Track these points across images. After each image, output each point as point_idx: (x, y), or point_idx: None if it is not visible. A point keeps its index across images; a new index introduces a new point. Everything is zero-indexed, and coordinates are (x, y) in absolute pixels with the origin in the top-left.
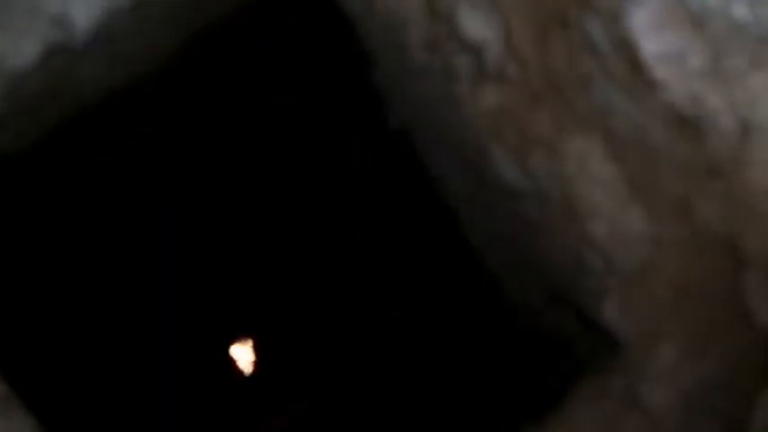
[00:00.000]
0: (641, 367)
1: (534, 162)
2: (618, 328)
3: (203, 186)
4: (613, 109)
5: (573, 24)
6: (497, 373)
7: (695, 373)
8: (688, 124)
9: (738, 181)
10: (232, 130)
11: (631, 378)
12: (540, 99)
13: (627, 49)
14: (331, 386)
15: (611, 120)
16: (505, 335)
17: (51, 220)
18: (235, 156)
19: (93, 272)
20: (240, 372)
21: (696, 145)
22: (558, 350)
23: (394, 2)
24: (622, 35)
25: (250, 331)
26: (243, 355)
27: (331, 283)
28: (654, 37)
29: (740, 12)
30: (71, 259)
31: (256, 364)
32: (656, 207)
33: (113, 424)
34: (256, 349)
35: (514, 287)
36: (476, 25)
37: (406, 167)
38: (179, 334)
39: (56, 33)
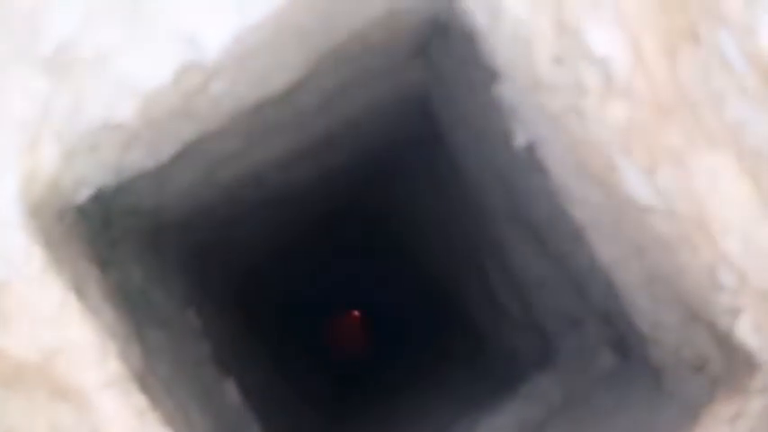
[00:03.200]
0: None
1: (664, 177)
2: (753, 346)
3: None
4: (747, 125)
5: (704, 38)
6: None
7: None
8: None
9: None
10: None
11: None
12: (670, 114)
13: (762, 64)
14: None
15: (744, 136)
16: None
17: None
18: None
19: None
20: None
21: None
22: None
23: (521, 16)
24: (757, 50)
25: None
26: None
27: None
28: None
29: None
30: None
31: None
32: None
33: None
34: None
35: (647, 305)
36: (603, 39)
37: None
38: None
39: (188, 52)
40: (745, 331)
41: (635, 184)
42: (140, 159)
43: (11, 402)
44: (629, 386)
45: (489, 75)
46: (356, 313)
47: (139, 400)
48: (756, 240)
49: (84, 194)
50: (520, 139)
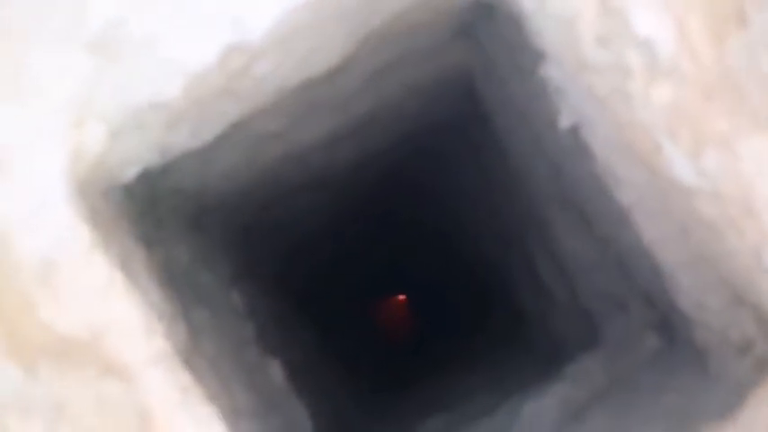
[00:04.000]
0: None
1: (710, 160)
2: None
3: None
4: None
5: (751, 20)
6: None
7: None
8: None
9: None
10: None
11: None
12: (716, 96)
13: None
14: None
15: None
16: None
17: None
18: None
19: None
20: None
21: None
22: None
23: None
24: None
25: None
26: None
27: None
28: None
29: None
30: None
31: None
32: None
33: None
34: None
35: (692, 287)
36: (649, 20)
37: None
38: None
39: (234, 33)
40: None
41: (680, 166)
42: (185, 139)
43: (61, 377)
44: (674, 368)
45: (535, 56)
46: (401, 297)
47: (184, 377)
48: None
49: (130, 173)
50: (565, 121)
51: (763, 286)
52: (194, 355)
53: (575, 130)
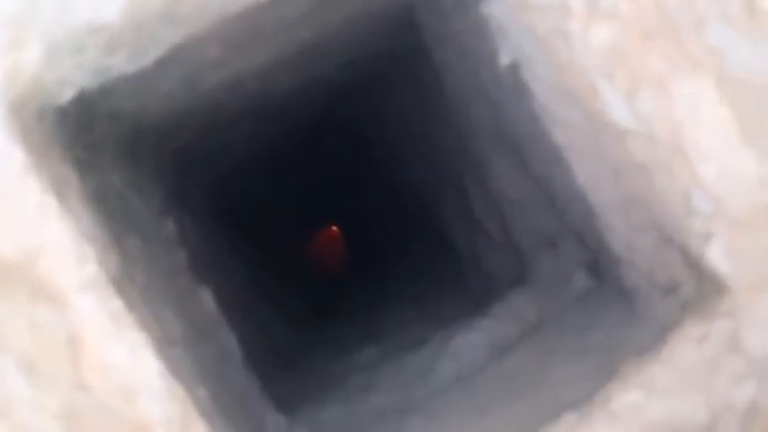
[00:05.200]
0: (746, 312)
1: (644, 102)
2: (724, 271)
3: None
4: (727, 52)
5: None
6: None
7: None
8: None
9: None
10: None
11: (735, 322)
12: (653, 39)
13: None
14: None
15: (724, 63)
16: None
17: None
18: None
19: None
20: None
21: None
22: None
23: None
24: None
25: None
26: None
27: None
28: None
29: None
30: None
31: None
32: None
33: None
34: None
35: (622, 228)
36: None
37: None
38: None
39: None
40: (717, 256)
41: (616, 107)
42: (124, 62)
43: None
44: (602, 307)
45: None
46: (335, 228)
47: (115, 303)
48: (732, 167)
49: (65, 96)
50: (504, 59)
51: (690, 228)
52: (126, 282)
53: (514, 69)
